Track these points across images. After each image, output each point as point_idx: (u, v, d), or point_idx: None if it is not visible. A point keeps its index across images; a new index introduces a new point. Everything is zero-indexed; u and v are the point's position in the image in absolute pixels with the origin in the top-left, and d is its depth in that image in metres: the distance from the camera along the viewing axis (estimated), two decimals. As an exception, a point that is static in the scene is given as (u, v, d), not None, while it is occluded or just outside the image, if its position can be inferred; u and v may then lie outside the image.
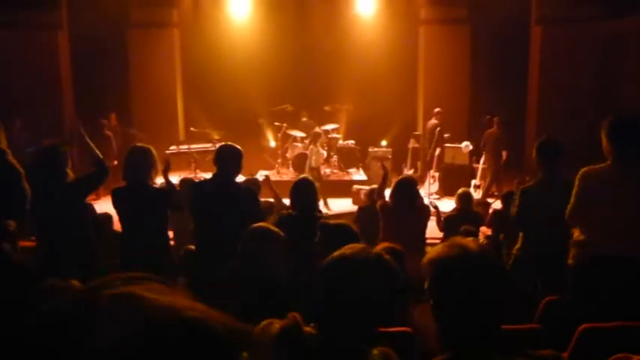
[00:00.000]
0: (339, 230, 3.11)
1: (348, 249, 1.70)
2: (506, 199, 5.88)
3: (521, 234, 4.47)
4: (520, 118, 12.88)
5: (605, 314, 2.89)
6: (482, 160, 10.53)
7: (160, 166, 4.59)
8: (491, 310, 1.56)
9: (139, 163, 4.39)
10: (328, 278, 1.66)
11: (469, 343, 1.55)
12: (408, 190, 5.26)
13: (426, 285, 1.63)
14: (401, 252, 2.70)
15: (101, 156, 4.67)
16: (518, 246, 4.43)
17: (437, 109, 11.42)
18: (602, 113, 11.82)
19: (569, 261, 3.80)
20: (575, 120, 11.44)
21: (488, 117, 11.56)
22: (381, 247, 2.90)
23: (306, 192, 4.48)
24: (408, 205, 5.22)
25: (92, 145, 4.76)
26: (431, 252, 1.66)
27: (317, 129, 10.89)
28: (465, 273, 1.55)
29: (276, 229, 3.26)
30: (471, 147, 10.86)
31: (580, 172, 3.72)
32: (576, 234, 3.77)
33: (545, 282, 4.17)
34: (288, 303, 2.30)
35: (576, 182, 3.71)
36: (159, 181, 5.17)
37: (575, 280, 3.71)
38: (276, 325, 1.56)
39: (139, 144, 4.73)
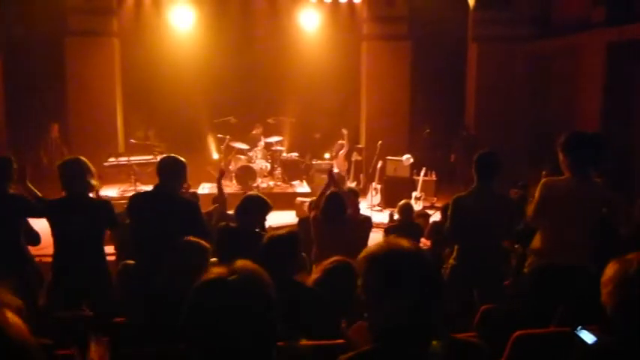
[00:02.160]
0: (286, 238, 3.11)
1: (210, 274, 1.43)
2: (445, 211, 6.02)
3: (456, 245, 4.57)
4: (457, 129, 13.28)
5: (549, 321, 2.98)
6: (422, 173, 10.75)
7: (96, 176, 4.44)
8: (419, 304, 1.57)
9: (74, 174, 4.26)
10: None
11: (396, 334, 1.56)
12: (334, 202, 5.25)
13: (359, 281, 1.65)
14: (347, 265, 2.69)
15: (40, 195, 4.52)
16: (453, 256, 4.52)
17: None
18: (536, 129, 12.39)
19: (525, 269, 3.92)
20: (510, 132, 11.97)
21: (427, 130, 11.86)
22: (329, 261, 2.90)
23: (253, 208, 4.46)
24: (337, 217, 5.21)
25: (31, 187, 4.57)
26: (364, 251, 1.67)
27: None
28: (392, 267, 1.56)
29: (203, 243, 3.22)
30: (411, 160, 11.08)
31: (541, 182, 3.88)
32: (534, 243, 3.90)
33: (481, 291, 4.28)
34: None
35: (537, 191, 3.85)
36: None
37: (529, 287, 3.83)
38: None
39: (69, 156, 4.62)
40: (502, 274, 4.53)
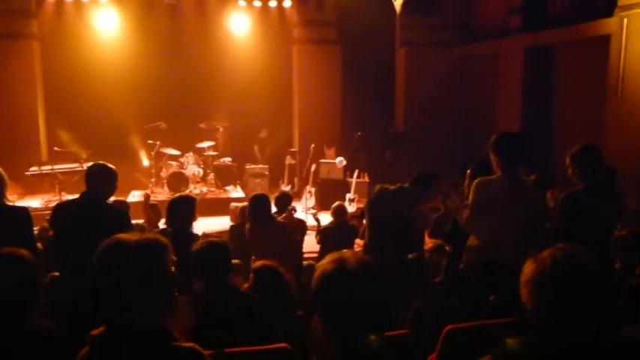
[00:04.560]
0: (213, 247, 3.05)
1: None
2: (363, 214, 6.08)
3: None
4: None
5: (482, 315, 3.06)
6: (355, 175, 10.88)
7: (6, 184, 4.19)
8: (374, 319, 1.62)
9: None
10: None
11: (356, 349, 1.60)
12: (259, 206, 5.25)
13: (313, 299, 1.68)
14: (272, 268, 2.68)
15: None
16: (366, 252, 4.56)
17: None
18: (461, 128, 12.84)
19: (461, 265, 4.02)
20: (436, 132, 12.38)
21: (359, 133, 12.02)
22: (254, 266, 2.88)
23: (182, 208, 4.38)
24: (264, 220, 5.21)
25: None
26: (317, 270, 1.69)
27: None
28: (345, 287, 1.60)
29: (167, 242, 3.15)
30: (344, 162, 11.20)
31: (474, 183, 3.97)
32: (470, 240, 4.00)
33: (406, 288, 4.35)
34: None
35: (471, 192, 3.94)
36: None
37: (467, 281, 3.92)
38: None
39: None
40: (424, 269, 4.61)
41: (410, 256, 4.69)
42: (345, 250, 1.77)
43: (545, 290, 1.71)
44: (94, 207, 4.09)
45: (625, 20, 7.90)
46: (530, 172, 4.90)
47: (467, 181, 4.38)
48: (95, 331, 1.64)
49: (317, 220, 6.87)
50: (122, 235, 1.67)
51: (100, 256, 1.67)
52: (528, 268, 1.77)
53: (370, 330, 1.62)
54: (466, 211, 3.96)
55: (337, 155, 11.79)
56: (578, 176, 3.97)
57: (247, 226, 5.34)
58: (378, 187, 4.67)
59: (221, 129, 12.22)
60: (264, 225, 5.18)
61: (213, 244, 3.12)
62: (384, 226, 4.44)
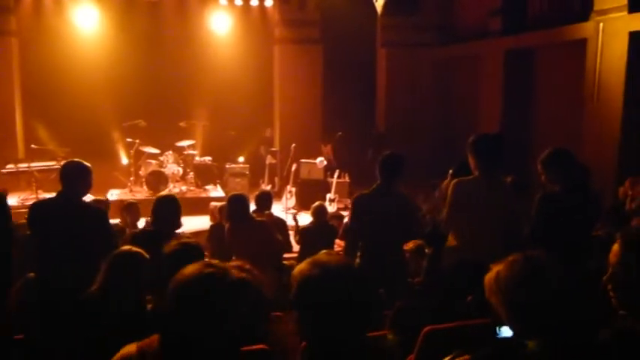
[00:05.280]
0: (184, 249, 3.03)
1: (186, 269, 1.57)
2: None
3: (360, 243, 4.62)
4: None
5: (460, 316, 3.08)
6: (335, 175, 10.90)
7: None
8: (355, 323, 1.63)
9: None
10: (177, 301, 1.54)
11: (334, 354, 1.60)
12: (237, 205, 5.23)
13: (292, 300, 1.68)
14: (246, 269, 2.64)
15: None
16: (358, 254, 4.55)
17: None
18: (442, 129, 12.93)
19: (437, 267, 4.03)
20: (417, 132, 12.49)
21: (340, 133, 12.06)
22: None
23: (167, 208, 4.33)
24: (242, 219, 5.19)
25: None
26: (295, 271, 1.68)
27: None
28: (326, 291, 1.60)
29: (142, 252, 3.14)
30: (325, 162, 11.20)
31: (452, 183, 3.98)
32: (450, 241, 4.01)
33: (388, 288, 4.37)
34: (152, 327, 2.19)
35: (449, 192, 3.95)
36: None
37: (445, 281, 3.93)
38: None
39: None
40: (404, 270, 4.63)
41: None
42: (324, 252, 1.77)
43: (509, 303, 1.72)
44: (72, 206, 4.03)
45: (601, 25, 8.03)
46: (508, 174, 4.95)
47: (448, 181, 4.41)
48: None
49: (295, 220, 6.86)
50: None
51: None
52: (489, 277, 1.80)
53: (350, 331, 1.62)
54: (445, 212, 3.98)
55: (335, 153, 11.83)
56: (551, 181, 4.01)
57: (226, 226, 5.31)
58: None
59: (201, 128, 12.15)
60: (243, 224, 5.16)
61: (185, 246, 3.08)
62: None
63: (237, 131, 12.87)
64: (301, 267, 1.68)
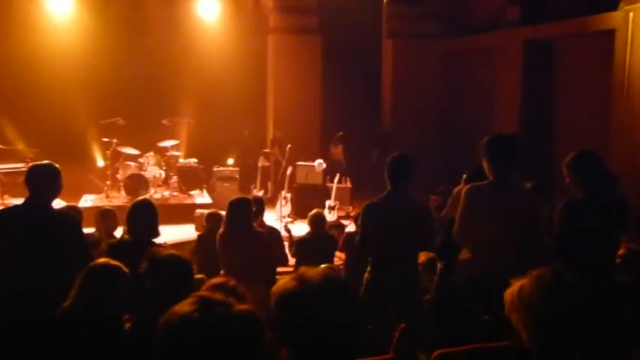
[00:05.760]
0: (168, 263, 2.99)
1: (177, 308, 1.44)
2: (357, 221, 6.10)
3: (370, 257, 4.61)
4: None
5: (475, 338, 3.05)
6: (336, 179, 10.88)
7: None
8: (338, 343, 1.60)
9: None
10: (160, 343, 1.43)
11: None
12: (240, 211, 5.20)
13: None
14: (231, 288, 2.60)
15: None
16: (367, 269, 4.55)
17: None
18: (455, 128, 12.92)
19: (450, 281, 4.02)
20: (425, 132, 12.49)
21: (340, 133, 12.06)
22: (207, 286, 2.83)
23: (143, 214, 4.31)
24: (242, 228, 5.16)
25: None
26: (275, 286, 1.66)
27: None
28: (305, 308, 1.58)
29: (121, 266, 3.14)
30: (324, 165, 11.19)
31: (465, 189, 3.98)
32: (463, 254, 4.01)
33: (397, 308, 4.36)
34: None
35: (461, 199, 3.95)
36: None
37: (455, 301, 3.92)
38: None
39: None
40: (418, 288, 4.63)
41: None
42: (325, 266, 1.75)
43: (533, 321, 1.72)
44: (40, 214, 4.01)
45: (631, 14, 8.05)
46: (528, 178, 4.95)
47: (461, 188, 4.40)
48: None
49: (288, 230, 6.83)
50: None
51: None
52: (511, 292, 1.79)
53: (336, 356, 1.60)
54: (457, 222, 3.97)
55: (344, 154, 11.86)
56: (576, 187, 4.01)
57: (220, 231, 5.28)
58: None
59: (186, 126, 12.13)
60: (242, 233, 5.13)
61: (171, 259, 3.04)
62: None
63: (225, 130, 12.84)
64: (283, 282, 1.66)
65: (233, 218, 5.17)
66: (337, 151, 12.30)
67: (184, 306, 1.42)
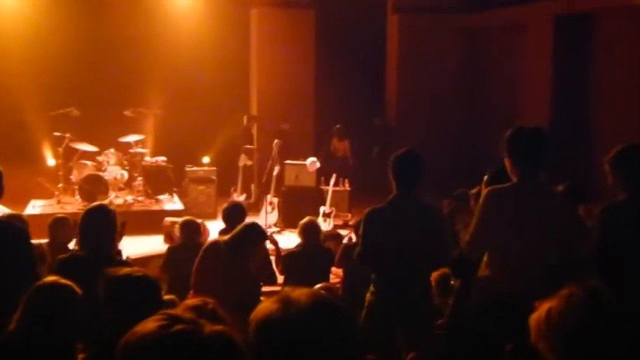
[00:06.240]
0: (129, 284, 3.00)
1: (139, 327, 1.46)
2: (357, 230, 6.09)
3: (372, 274, 4.62)
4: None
5: None
6: (332, 181, 10.88)
7: None
8: None
9: None
10: None
11: None
12: (234, 219, 5.22)
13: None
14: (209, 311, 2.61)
15: None
16: (370, 289, 4.55)
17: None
18: (472, 120, 12.89)
19: (467, 301, 4.03)
20: (439, 124, 12.47)
21: (338, 126, 12.07)
22: (181, 306, 2.84)
23: (99, 223, 4.30)
24: (240, 260, 5.13)
25: None
26: (256, 310, 1.66)
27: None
28: (288, 336, 1.57)
29: (72, 285, 3.15)
30: (318, 164, 11.17)
31: (484, 193, 3.98)
32: (481, 269, 4.01)
33: (405, 332, 4.36)
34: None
35: (480, 204, 3.96)
36: None
37: (472, 326, 3.93)
38: None
39: None
40: (430, 310, 4.64)
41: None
42: (319, 285, 1.76)
43: (565, 350, 1.72)
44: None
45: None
46: (559, 180, 4.96)
47: (481, 189, 4.41)
48: None
49: (274, 242, 6.81)
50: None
51: None
52: (537, 316, 1.80)
53: None
54: (471, 230, 3.97)
55: (351, 149, 11.88)
56: (620, 186, 4.02)
57: (206, 245, 5.28)
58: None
59: (153, 118, 12.13)
60: (240, 268, 5.12)
61: (132, 278, 3.04)
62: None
63: (201, 121, 12.84)
64: (264, 305, 1.66)
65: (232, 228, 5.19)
66: (342, 146, 12.29)
67: (148, 323, 1.42)
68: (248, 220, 6.24)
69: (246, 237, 5.12)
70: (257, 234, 5.26)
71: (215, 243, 5.34)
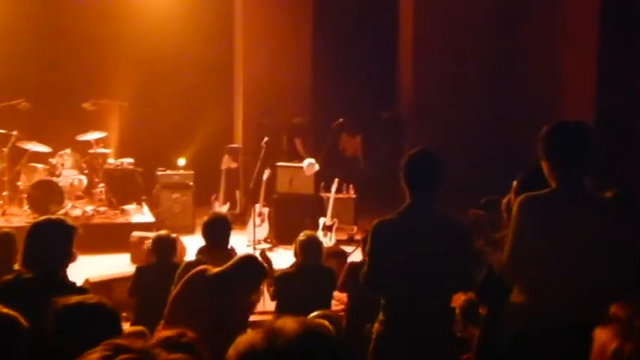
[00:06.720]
0: (83, 315, 2.99)
1: None
2: (365, 246, 6.09)
3: (382, 299, 4.60)
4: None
5: None
6: (334, 187, 10.86)
7: None
8: None
9: None
10: None
11: None
12: (218, 233, 5.23)
13: None
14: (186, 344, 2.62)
15: None
16: (379, 318, 4.52)
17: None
18: (501, 110, 12.88)
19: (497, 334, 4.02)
20: (461, 118, 12.46)
21: (340, 120, 12.05)
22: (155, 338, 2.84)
23: (50, 239, 4.29)
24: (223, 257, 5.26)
25: None
26: (238, 340, 1.67)
27: None
28: None
29: (16, 315, 3.12)
30: (317, 167, 11.16)
31: (517, 201, 3.95)
32: (514, 294, 3.99)
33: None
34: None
35: (513, 216, 3.93)
36: None
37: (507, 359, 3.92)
38: None
39: None
40: (453, 343, 4.62)
41: None
42: (316, 313, 1.77)
43: None
44: None
45: None
46: (606, 186, 4.95)
47: (511, 198, 4.40)
48: None
49: (266, 260, 6.80)
50: None
51: None
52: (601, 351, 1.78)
53: None
54: (507, 249, 3.96)
55: (363, 147, 11.88)
56: None
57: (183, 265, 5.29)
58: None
59: (118, 111, 12.14)
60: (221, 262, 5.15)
61: (86, 308, 3.05)
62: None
63: (175, 116, 12.87)
64: (248, 336, 1.67)
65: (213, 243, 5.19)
66: (354, 144, 12.27)
67: (90, 355, 1.49)
68: (234, 236, 6.27)
69: (244, 276, 5.14)
70: (258, 275, 5.28)
71: (200, 274, 5.30)
